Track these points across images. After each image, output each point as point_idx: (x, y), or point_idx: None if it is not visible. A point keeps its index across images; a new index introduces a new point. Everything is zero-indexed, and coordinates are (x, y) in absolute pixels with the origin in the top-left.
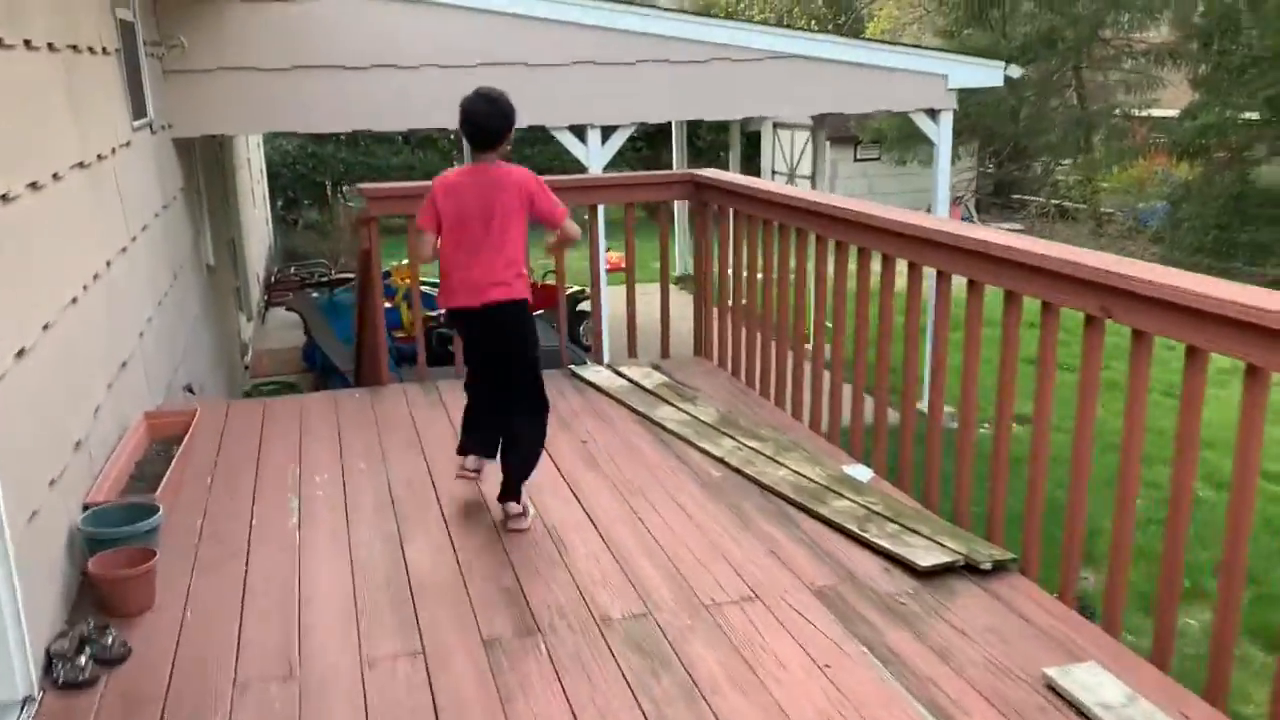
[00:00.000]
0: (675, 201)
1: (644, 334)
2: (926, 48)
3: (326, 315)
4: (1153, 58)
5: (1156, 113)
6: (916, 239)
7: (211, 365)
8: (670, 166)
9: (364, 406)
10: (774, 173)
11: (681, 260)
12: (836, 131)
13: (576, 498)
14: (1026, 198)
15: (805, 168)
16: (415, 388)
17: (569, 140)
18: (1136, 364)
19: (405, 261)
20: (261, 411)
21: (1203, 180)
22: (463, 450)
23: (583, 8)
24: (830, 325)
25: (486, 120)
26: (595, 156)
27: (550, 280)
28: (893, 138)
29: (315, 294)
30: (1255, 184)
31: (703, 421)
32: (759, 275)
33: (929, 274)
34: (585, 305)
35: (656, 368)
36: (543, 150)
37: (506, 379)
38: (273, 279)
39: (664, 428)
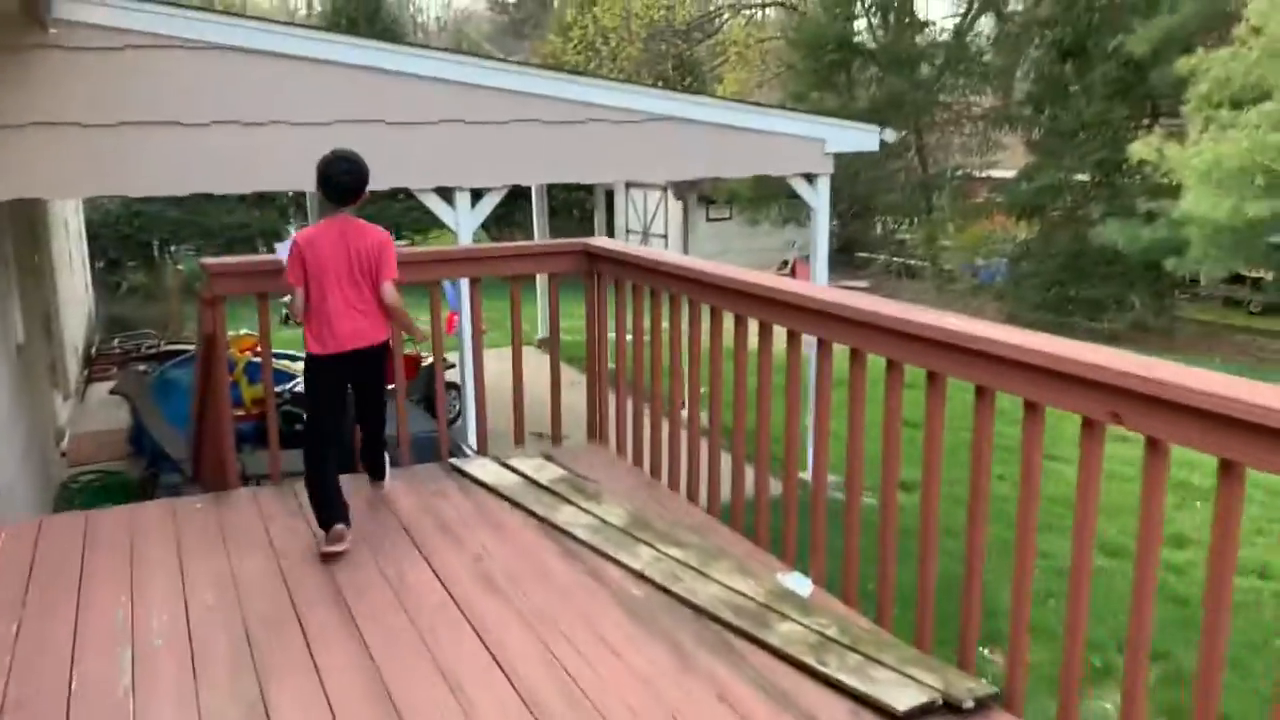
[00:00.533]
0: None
1: (505, 405)
2: (804, 111)
3: (158, 396)
4: (989, 121)
5: (995, 174)
6: (822, 313)
7: (21, 458)
8: (526, 225)
9: (209, 519)
10: (628, 231)
11: (542, 323)
12: (689, 191)
13: (477, 632)
14: (870, 255)
15: (659, 226)
16: (268, 493)
17: (435, 204)
18: (1031, 433)
19: (245, 331)
20: (82, 529)
21: (1041, 239)
22: (327, 523)
23: (447, 62)
24: (706, 391)
25: (346, 179)
26: (465, 221)
27: (410, 350)
28: (746, 198)
29: (144, 369)
30: (1091, 243)
31: (613, 525)
32: (662, 353)
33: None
34: (451, 375)
35: (549, 458)
36: (408, 207)
37: (365, 409)
38: (94, 352)
39: (571, 535)
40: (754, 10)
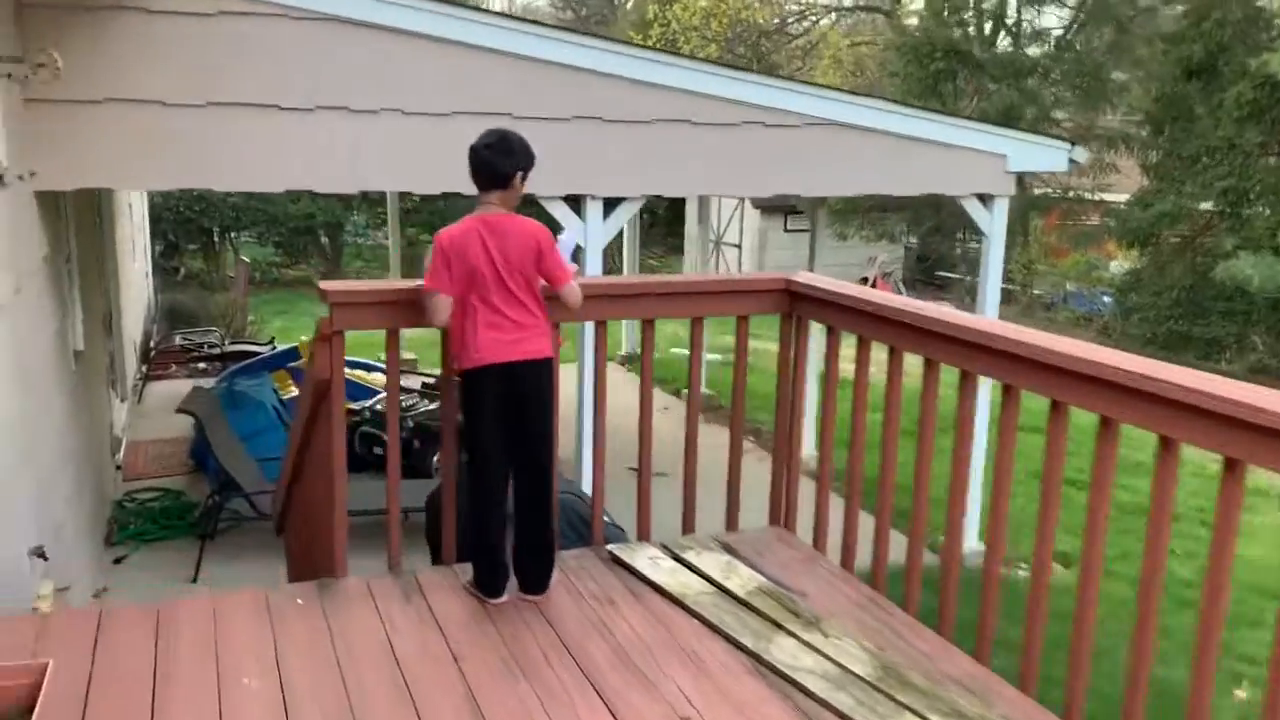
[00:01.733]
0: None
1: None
2: (986, 122)
3: (227, 411)
4: (1104, 141)
5: (1108, 197)
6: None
7: (75, 486)
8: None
9: (312, 621)
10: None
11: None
12: (766, 200)
13: None
14: (949, 275)
15: (732, 235)
16: (387, 585)
17: (562, 213)
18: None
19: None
20: (153, 630)
21: (1154, 270)
22: (496, 592)
23: (587, 49)
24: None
25: (486, 156)
26: (595, 234)
27: None
28: (834, 209)
29: (211, 387)
30: (1211, 276)
31: (858, 677)
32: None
33: None
34: None
35: (731, 551)
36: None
37: (525, 455)
38: (153, 348)
39: (801, 688)
40: (846, 13)
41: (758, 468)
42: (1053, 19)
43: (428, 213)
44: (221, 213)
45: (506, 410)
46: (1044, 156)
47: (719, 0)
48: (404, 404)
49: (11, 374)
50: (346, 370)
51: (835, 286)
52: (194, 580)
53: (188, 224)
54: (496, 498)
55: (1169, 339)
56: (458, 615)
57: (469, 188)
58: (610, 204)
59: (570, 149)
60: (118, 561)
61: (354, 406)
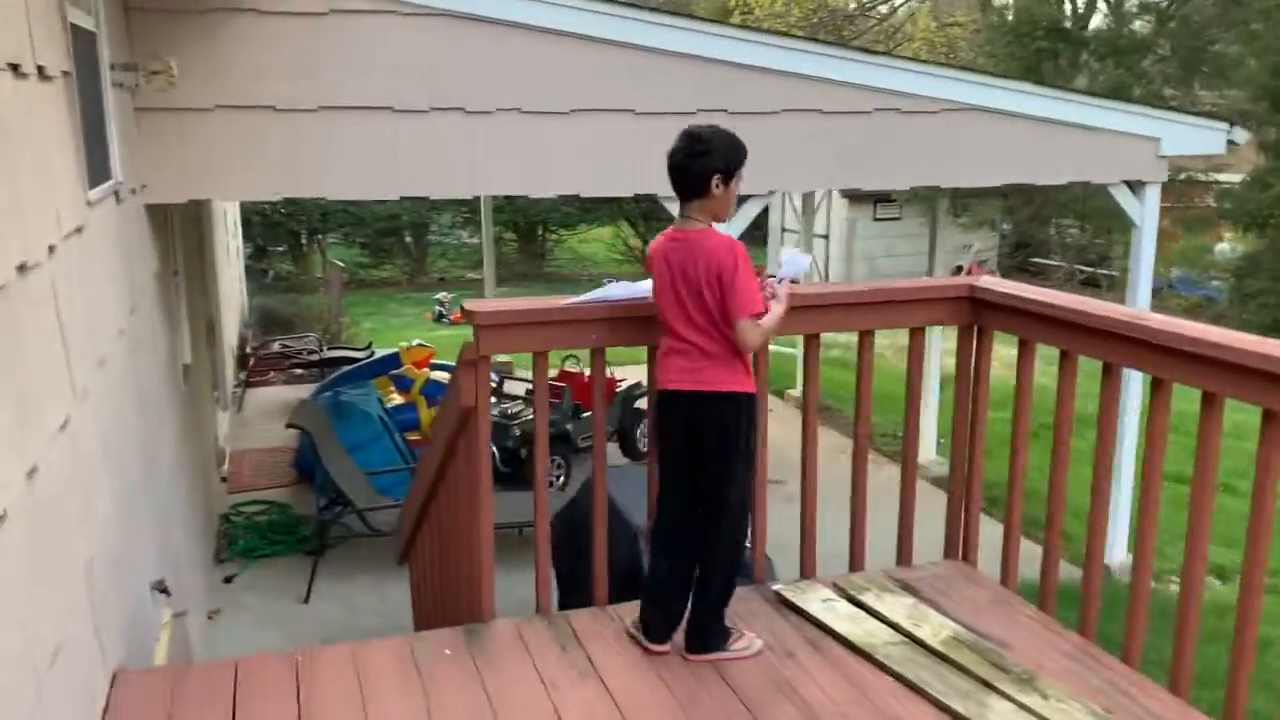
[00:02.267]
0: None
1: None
2: (1133, 101)
3: (334, 426)
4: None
5: (1223, 178)
6: None
7: (188, 506)
8: None
9: (465, 682)
10: (783, 230)
11: None
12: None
13: None
14: (1045, 261)
15: (819, 225)
16: (535, 629)
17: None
18: None
19: (418, 342)
20: (293, 691)
21: (1272, 253)
22: (656, 637)
23: (708, 35)
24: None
25: (675, 161)
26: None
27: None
28: (923, 196)
29: (317, 399)
30: None
31: None
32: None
33: None
34: (641, 403)
35: (909, 589)
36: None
37: (698, 490)
38: (250, 353)
39: None
40: None
41: (875, 475)
42: None
43: (511, 211)
44: (309, 215)
45: (686, 441)
46: (1200, 139)
47: None
48: (509, 411)
49: (131, 400)
50: (446, 376)
51: (1030, 293)
52: (305, 600)
53: (276, 227)
54: (669, 533)
55: None
56: (622, 672)
57: (590, 189)
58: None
59: None
60: (228, 580)
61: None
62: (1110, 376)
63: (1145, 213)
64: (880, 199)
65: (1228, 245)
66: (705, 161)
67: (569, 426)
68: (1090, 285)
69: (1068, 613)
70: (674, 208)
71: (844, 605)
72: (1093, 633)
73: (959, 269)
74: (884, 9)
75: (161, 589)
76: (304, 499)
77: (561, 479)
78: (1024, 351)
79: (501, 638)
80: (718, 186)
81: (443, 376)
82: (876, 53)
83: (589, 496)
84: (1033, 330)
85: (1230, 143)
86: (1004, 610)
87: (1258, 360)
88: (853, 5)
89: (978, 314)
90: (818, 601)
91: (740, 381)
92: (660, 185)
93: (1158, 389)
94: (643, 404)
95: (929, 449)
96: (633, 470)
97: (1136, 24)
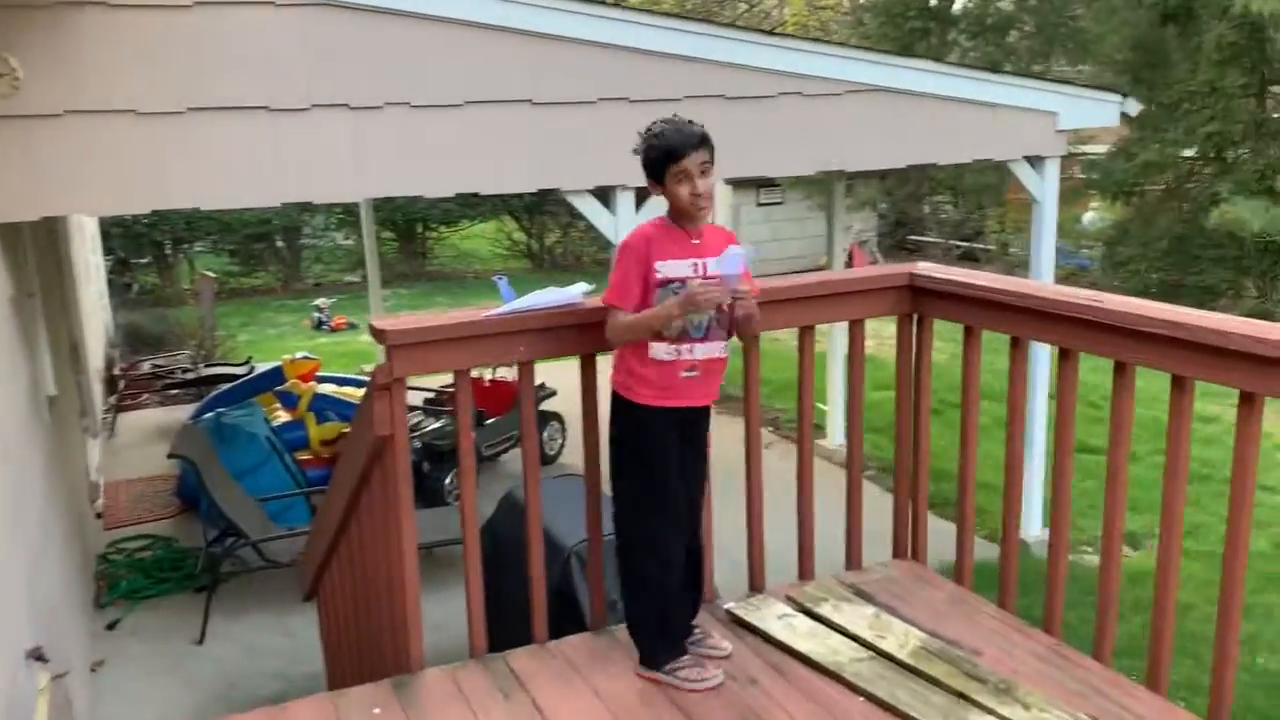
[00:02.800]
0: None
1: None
2: (1033, 76)
3: (219, 451)
4: None
5: (1089, 149)
6: None
7: (61, 553)
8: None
9: None
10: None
11: None
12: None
13: None
14: (922, 239)
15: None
16: (471, 675)
17: (588, 207)
18: None
19: (302, 354)
20: None
21: (1140, 221)
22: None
23: (609, 20)
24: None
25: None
26: (626, 230)
27: (496, 375)
28: (808, 179)
29: (198, 422)
30: (1200, 224)
31: None
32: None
33: None
34: (548, 405)
35: (865, 595)
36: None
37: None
38: (119, 375)
39: None
40: None
41: (780, 466)
42: None
43: (388, 209)
44: (172, 223)
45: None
46: (1096, 112)
47: None
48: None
49: None
50: (333, 388)
51: (973, 278)
52: (199, 641)
53: (138, 238)
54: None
55: (1161, 289)
56: (574, 716)
57: (491, 186)
58: (641, 196)
59: (598, 135)
60: (110, 627)
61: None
62: (1019, 349)
63: (1046, 188)
64: (763, 184)
65: (1094, 215)
66: (649, 148)
67: (472, 434)
68: (968, 259)
69: (989, 591)
70: (577, 201)
71: (802, 620)
72: (1013, 606)
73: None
74: None
75: (38, 657)
76: (190, 530)
77: None
78: (969, 339)
79: (435, 689)
80: (651, 181)
81: (331, 389)
82: (780, 34)
83: (509, 516)
84: (978, 317)
85: (1123, 114)
86: (965, 611)
87: (1216, 338)
88: None
89: (917, 302)
90: (774, 619)
91: (619, 382)
92: (564, 179)
93: (1065, 359)
94: (549, 406)
95: (837, 434)
96: (556, 485)
97: (1003, 2)
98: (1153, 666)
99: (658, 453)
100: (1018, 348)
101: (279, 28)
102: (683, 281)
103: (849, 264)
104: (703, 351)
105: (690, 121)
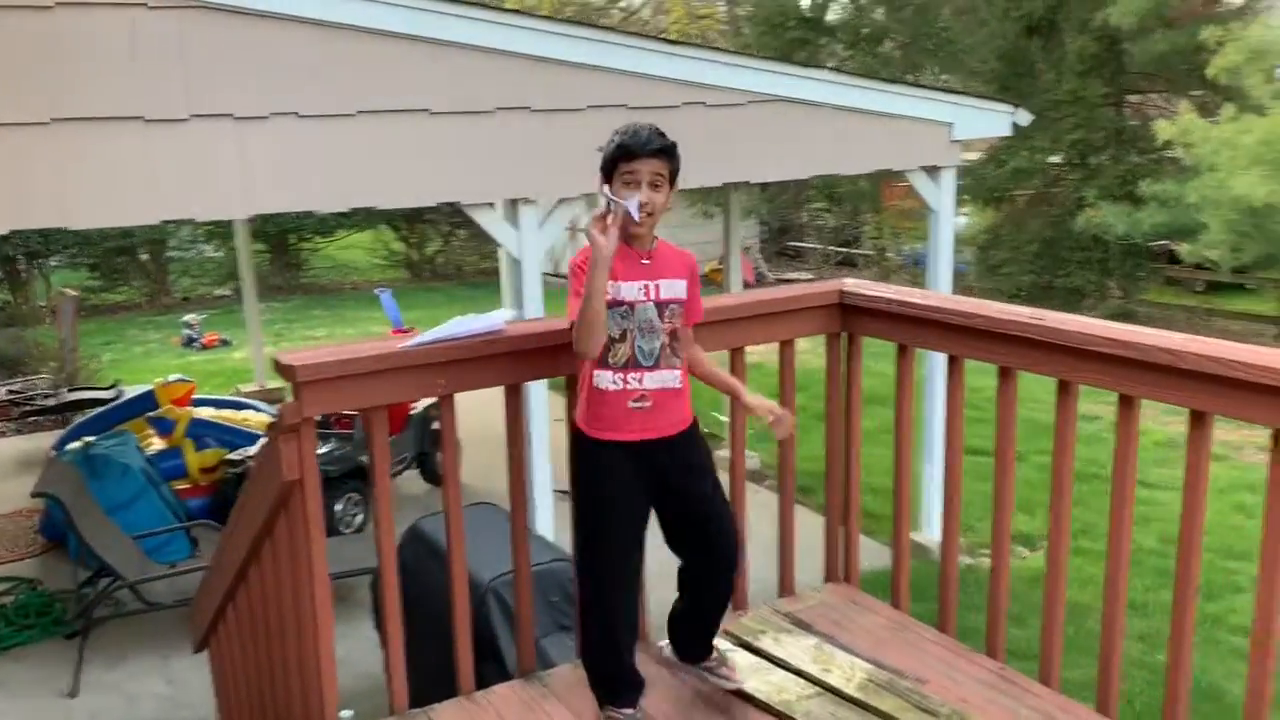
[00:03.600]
0: None
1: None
2: (928, 86)
3: (90, 486)
4: None
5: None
6: None
7: None
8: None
9: None
10: (576, 230)
11: None
12: None
13: None
14: (802, 245)
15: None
16: (510, 692)
17: (490, 222)
18: None
19: (175, 377)
20: None
21: (1012, 226)
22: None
23: (513, 28)
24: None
25: None
26: (531, 244)
27: None
28: (694, 188)
29: (65, 454)
30: (1067, 228)
31: None
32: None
33: None
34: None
35: (802, 625)
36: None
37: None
38: None
39: None
40: None
41: None
42: None
43: (260, 219)
44: (25, 236)
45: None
46: (988, 122)
47: None
48: (246, 448)
49: None
50: (211, 412)
51: (905, 295)
52: (73, 694)
53: None
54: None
55: (1033, 291)
56: None
57: (388, 200)
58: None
59: (500, 146)
60: None
61: (234, 456)
62: (956, 367)
63: (942, 197)
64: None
65: (963, 220)
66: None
67: (364, 459)
68: (847, 265)
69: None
70: (479, 215)
71: (743, 656)
72: (952, 629)
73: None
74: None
75: None
76: (58, 570)
77: (360, 517)
78: (902, 358)
79: None
80: (600, 187)
81: (209, 413)
82: (685, 44)
83: (415, 551)
84: (912, 335)
85: (1014, 124)
86: (906, 638)
87: (1168, 357)
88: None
89: (847, 321)
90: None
91: (577, 417)
92: (465, 192)
93: (952, 365)
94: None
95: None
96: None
97: (877, 12)
98: (1045, 667)
99: (605, 496)
100: (955, 365)
101: (153, 32)
102: (630, 305)
103: None
104: (653, 381)
105: (662, 133)
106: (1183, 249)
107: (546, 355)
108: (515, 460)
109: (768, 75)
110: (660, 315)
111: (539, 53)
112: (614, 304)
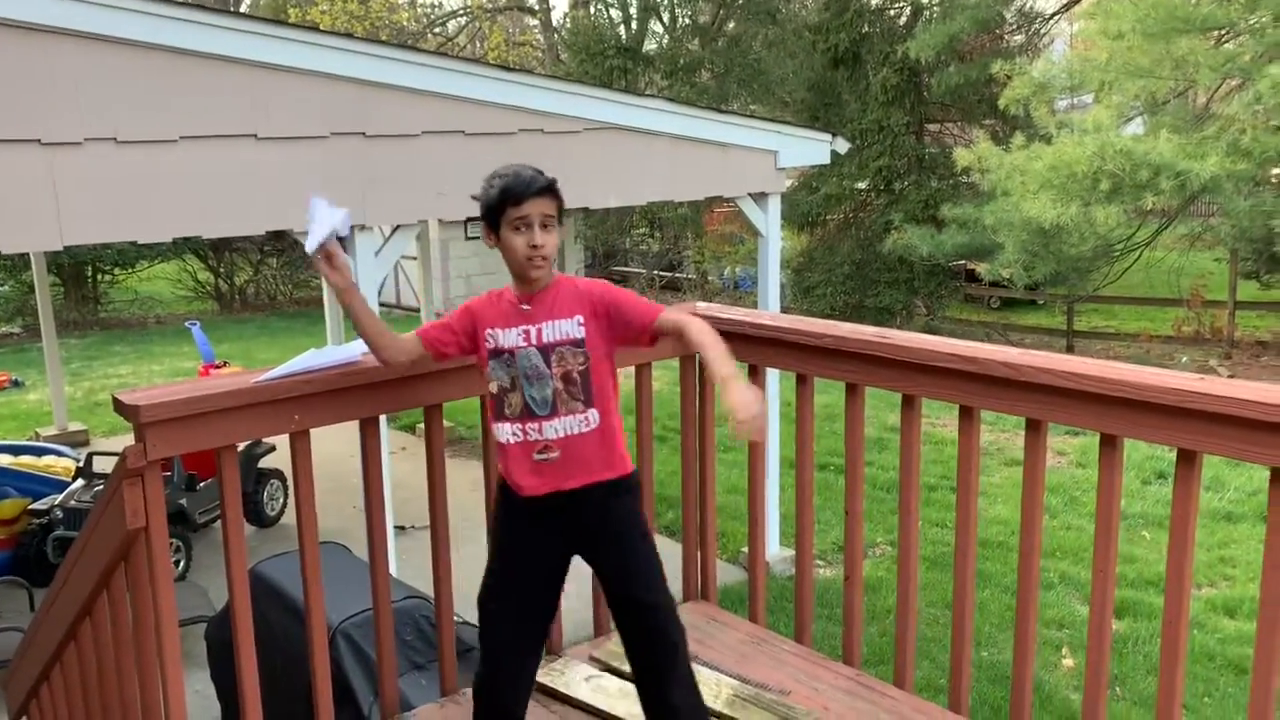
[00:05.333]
0: None
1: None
2: (755, 116)
3: None
4: None
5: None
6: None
7: None
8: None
9: None
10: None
11: None
12: None
13: None
14: (626, 269)
15: (410, 248)
16: None
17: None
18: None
19: None
20: None
21: (825, 249)
22: None
23: (344, 52)
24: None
25: None
26: (369, 271)
27: None
28: None
29: None
30: (876, 250)
31: None
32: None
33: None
34: (265, 462)
35: None
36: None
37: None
38: None
39: None
40: (488, 15)
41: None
42: (704, 12)
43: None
44: None
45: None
46: (810, 150)
47: (364, 3)
48: (52, 497)
49: None
50: (8, 459)
51: (754, 316)
52: None
53: None
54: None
55: (845, 310)
56: None
57: (213, 229)
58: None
59: (332, 172)
60: None
61: (39, 506)
62: (805, 386)
63: (769, 223)
64: (471, 217)
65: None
66: (480, 205)
67: (183, 502)
68: (671, 289)
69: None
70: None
71: (611, 680)
72: (809, 639)
73: None
74: (452, 26)
75: None
76: None
77: (181, 563)
78: (754, 377)
79: None
80: (486, 236)
81: (6, 460)
82: (523, 71)
83: (255, 595)
84: (762, 355)
85: (833, 152)
86: (767, 651)
87: (1006, 370)
88: (422, 23)
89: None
90: (581, 682)
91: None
92: (297, 220)
93: (802, 384)
94: (267, 462)
95: None
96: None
97: (693, 43)
98: (899, 670)
99: (504, 546)
100: (804, 384)
101: None
102: (511, 352)
103: None
104: (554, 429)
105: (541, 171)
106: (981, 268)
107: (405, 386)
108: (374, 496)
109: (605, 103)
110: (546, 360)
111: (372, 77)
112: (496, 352)
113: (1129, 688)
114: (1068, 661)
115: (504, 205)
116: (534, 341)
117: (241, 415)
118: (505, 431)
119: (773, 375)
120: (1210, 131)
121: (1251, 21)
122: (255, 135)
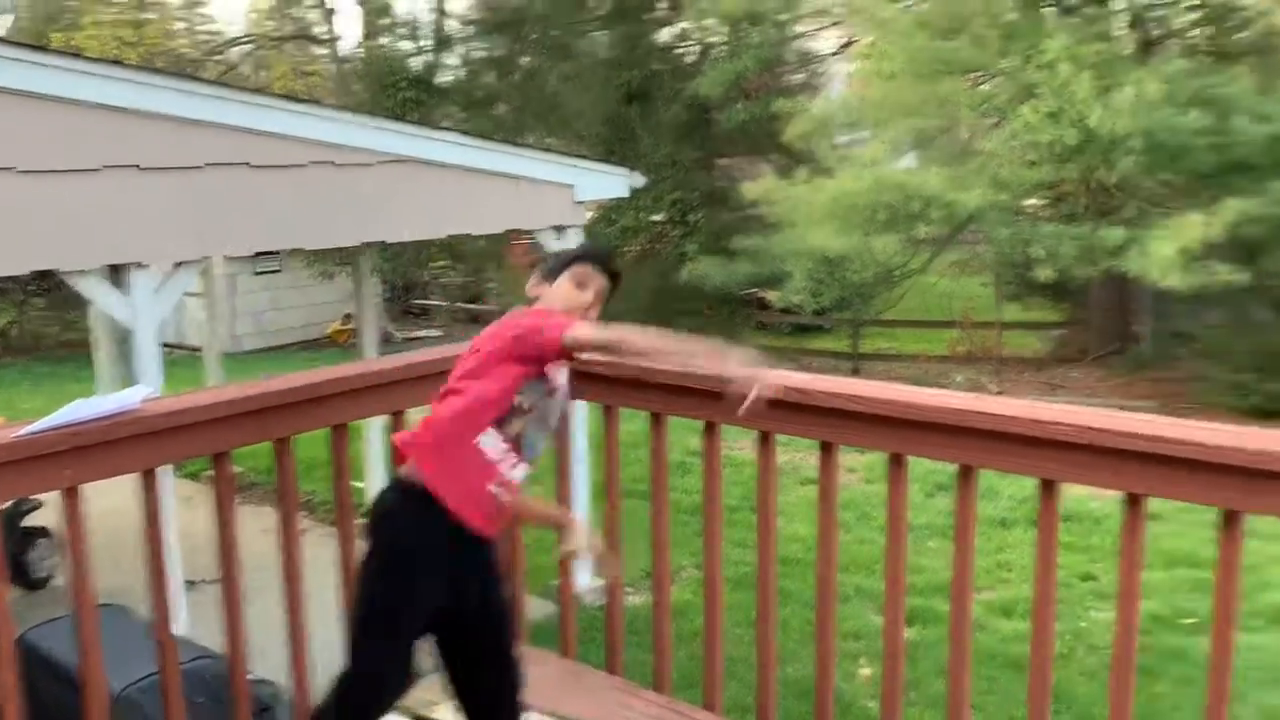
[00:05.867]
0: None
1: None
2: (553, 150)
3: None
4: None
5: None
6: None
7: None
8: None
9: None
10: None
11: None
12: None
13: None
14: (427, 302)
15: (193, 284)
16: None
17: (96, 290)
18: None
19: None
20: None
21: (624, 280)
22: None
23: (115, 81)
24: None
25: None
26: (147, 312)
27: None
28: (317, 251)
29: None
30: (670, 280)
31: None
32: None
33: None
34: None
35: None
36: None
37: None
38: None
39: None
40: (274, 44)
41: (320, 551)
42: (499, 45)
43: None
44: None
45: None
46: (608, 184)
47: (137, 28)
48: None
49: None
50: None
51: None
52: None
53: None
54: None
55: None
56: None
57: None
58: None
59: (105, 207)
60: None
61: None
62: (660, 425)
63: None
64: (261, 251)
65: None
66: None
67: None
68: (474, 322)
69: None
70: (81, 283)
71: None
72: (620, 669)
73: (348, 316)
74: (235, 54)
75: None
76: None
77: None
78: (609, 418)
79: None
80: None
81: None
82: (314, 102)
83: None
84: (616, 396)
85: (630, 187)
86: (581, 684)
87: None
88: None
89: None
90: None
91: (432, 468)
92: (64, 259)
93: (608, 414)
94: (33, 520)
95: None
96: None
97: (489, 76)
98: (708, 694)
99: (421, 567)
100: (611, 415)
101: None
102: (552, 391)
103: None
104: (517, 473)
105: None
106: (771, 295)
107: (193, 433)
108: (155, 554)
109: (399, 136)
110: (557, 419)
111: (146, 107)
112: (545, 379)
113: (921, 691)
114: (865, 671)
115: (589, 263)
116: (564, 397)
117: (5, 472)
118: (491, 439)
119: (581, 406)
120: (974, 166)
121: (1003, 65)
122: (14, 169)
